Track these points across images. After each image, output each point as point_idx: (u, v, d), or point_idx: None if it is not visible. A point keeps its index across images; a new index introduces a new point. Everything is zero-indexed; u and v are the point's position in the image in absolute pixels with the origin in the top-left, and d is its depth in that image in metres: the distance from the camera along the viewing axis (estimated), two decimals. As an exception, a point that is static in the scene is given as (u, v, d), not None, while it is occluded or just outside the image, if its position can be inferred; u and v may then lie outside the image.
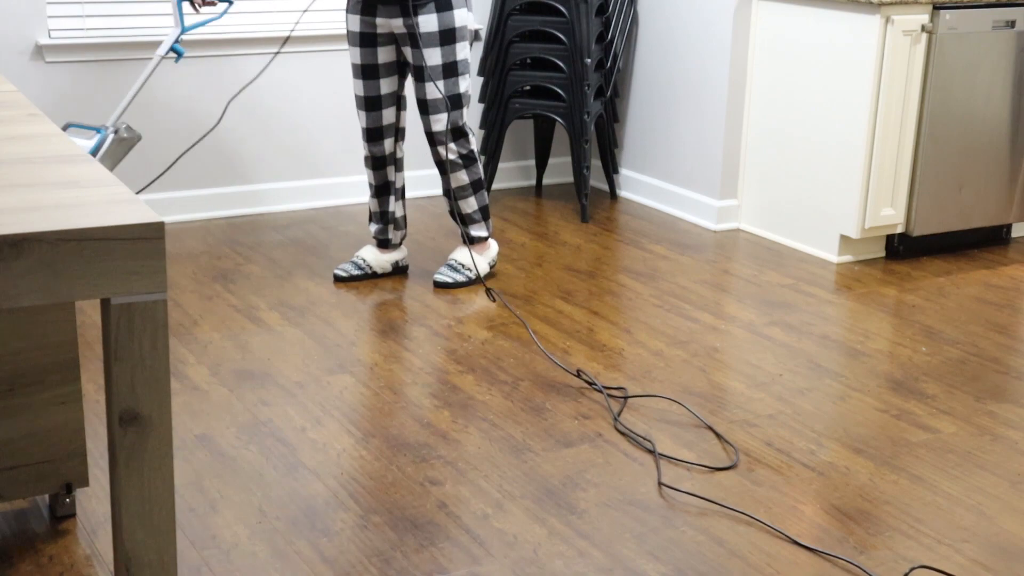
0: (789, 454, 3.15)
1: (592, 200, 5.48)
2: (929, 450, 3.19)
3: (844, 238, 4.68)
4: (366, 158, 4.17)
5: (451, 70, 3.98)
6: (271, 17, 5.03)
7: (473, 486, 2.94)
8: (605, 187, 5.69)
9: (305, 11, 4.21)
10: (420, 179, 5.48)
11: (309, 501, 2.86)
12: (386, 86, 4.07)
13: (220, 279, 4.33)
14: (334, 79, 5.20)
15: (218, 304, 4.09)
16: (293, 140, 5.19)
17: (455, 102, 4.02)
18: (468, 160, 4.10)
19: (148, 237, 1.64)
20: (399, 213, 4.28)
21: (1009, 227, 5.03)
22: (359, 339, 3.83)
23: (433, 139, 4.05)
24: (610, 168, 5.51)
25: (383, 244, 4.31)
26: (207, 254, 4.59)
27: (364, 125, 4.11)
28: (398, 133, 4.18)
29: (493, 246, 4.36)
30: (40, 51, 4.65)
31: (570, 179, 5.82)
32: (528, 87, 5.26)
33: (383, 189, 4.22)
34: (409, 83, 4.96)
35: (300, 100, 5.16)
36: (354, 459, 3.07)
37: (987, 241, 4.98)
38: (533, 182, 5.78)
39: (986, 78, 4.67)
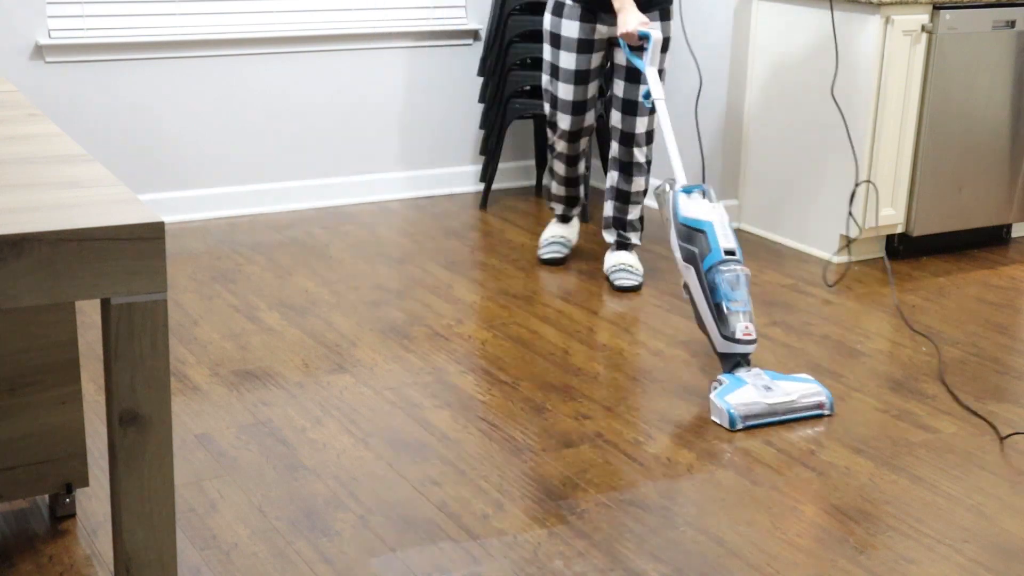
0: (789, 454, 3.15)
1: (592, 200, 5.48)
2: (929, 450, 3.19)
3: (844, 238, 4.68)
4: (561, 154, 4.51)
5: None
6: (271, 17, 5.04)
7: (473, 486, 2.94)
8: (605, 187, 5.67)
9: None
10: (421, 179, 5.48)
11: (309, 501, 2.86)
12: (593, 89, 4.36)
13: (220, 279, 4.33)
14: (334, 79, 5.20)
15: (218, 304, 4.09)
16: (293, 140, 5.19)
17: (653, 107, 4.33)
18: (649, 166, 4.46)
19: (148, 237, 1.64)
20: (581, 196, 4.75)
21: (1009, 227, 5.03)
22: (359, 339, 3.83)
23: (633, 140, 4.32)
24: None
25: (568, 220, 4.73)
26: (207, 254, 4.59)
27: (567, 128, 4.40)
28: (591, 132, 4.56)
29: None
30: (40, 51, 4.65)
31: (570, 179, 5.81)
32: (528, 87, 5.26)
33: (574, 180, 4.62)
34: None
35: (300, 100, 5.16)
36: (354, 459, 3.07)
37: (987, 241, 4.98)
38: (533, 182, 5.78)
39: (986, 78, 4.66)
